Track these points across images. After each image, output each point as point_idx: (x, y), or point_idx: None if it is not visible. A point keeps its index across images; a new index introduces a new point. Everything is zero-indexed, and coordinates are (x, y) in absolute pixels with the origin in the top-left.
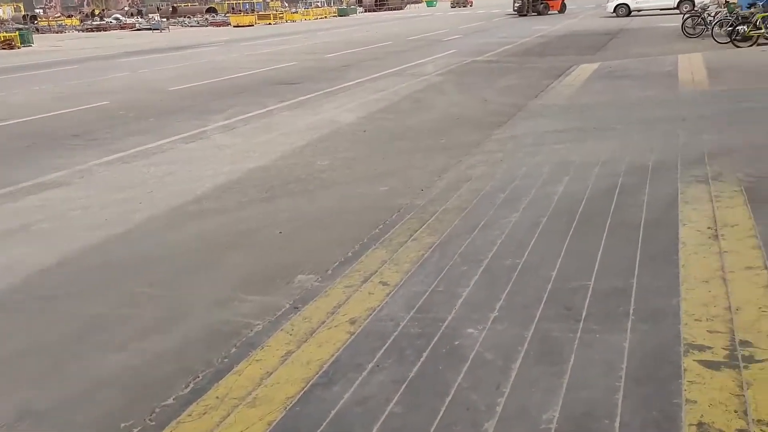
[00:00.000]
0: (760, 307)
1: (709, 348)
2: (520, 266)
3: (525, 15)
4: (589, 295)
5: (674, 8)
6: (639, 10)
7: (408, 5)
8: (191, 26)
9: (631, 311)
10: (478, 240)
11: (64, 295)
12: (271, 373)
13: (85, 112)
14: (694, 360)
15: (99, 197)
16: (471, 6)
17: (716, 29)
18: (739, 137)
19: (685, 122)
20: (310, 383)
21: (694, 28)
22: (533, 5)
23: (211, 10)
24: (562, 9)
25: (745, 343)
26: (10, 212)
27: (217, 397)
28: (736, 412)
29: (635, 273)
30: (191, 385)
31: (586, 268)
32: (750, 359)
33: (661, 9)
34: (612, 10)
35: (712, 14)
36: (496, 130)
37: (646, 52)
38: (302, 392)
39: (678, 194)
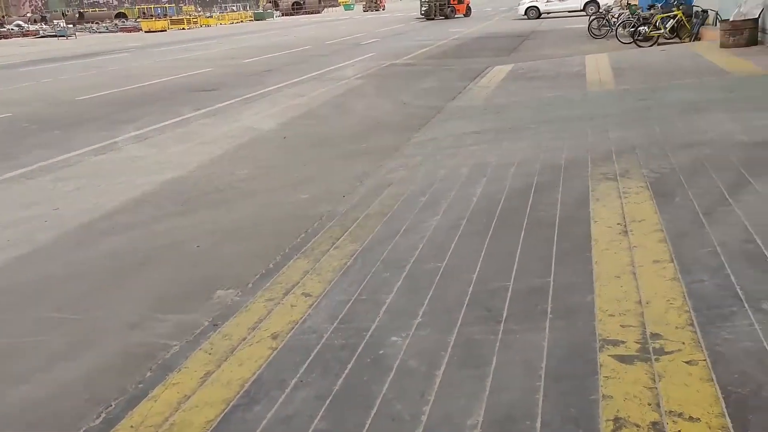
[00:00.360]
0: (668, 300)
1: (623, 342)
2: (441, 270)
3: (432, 19)
4: (508, 296)
5: (581, 10)
6: (548, 13)
7: (325, 9)
8: (100, 32)
9: (549, 309)
10: (400, 245)
11: None
12: (189, 397)
13: None
14: (608, 355)
15: (0, 216)
16: (384, 9)
17: (620, 30)
18: (643, 134)
19: (593, 121)
20: (231, 404)
21: (599, 29)
22: (440, 9)
23: (121, 16)
24: (467, 13)
25: (655, 336)
26: None
27: (132, 426)
28: (649, 404)
29: (552, 271)
30: (102, 416)
31: (506, 269)
32: (661, 351)
33: (569, 11)
34: (523, 13)
35: (616, 16)
36: (415, 133)
37: (556, 53)
38: (222, 415)
39: (589, 192)
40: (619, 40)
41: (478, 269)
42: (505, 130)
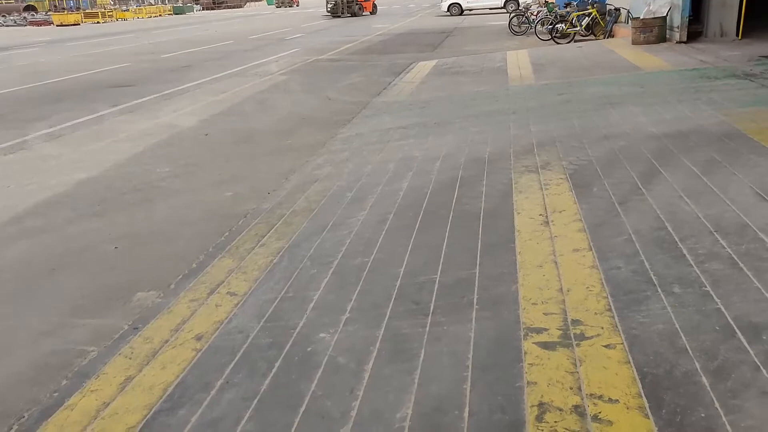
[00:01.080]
0: (587, 287)
1: (546, 330)
2: (369, 265)
3: (339, 16)
4: (436, 289)
5: (501, 8)
6: (470, 10)
7: (248, 3)
8: (7, 26)
9: (475, 301)
10: (327, 241)
11: None
12: (109, 404)
13: None
14: (532, 342)
15: None
16: (297, 6)
17: (539, 27)
18: (562, 127)
19: (515, 115)
20: (153, 410)
21: (519, 26)
22: (348, 6)
23: (30, 8)
24: (374, 10)
25: (576, 322)
26: None
27: None
28: (571, 389)
29: (477, 263)
30: (15, 428)
31: (433, 262)
32: (581, 337)
33: (490, 8)
34: (446, 9)
35: (535, 13)
36: (341, 128)
37: (478, 50)
38: (144, 421)
39: (512, 184)
40: (538, 37)
41: (405, 263)
42: (430, 124)
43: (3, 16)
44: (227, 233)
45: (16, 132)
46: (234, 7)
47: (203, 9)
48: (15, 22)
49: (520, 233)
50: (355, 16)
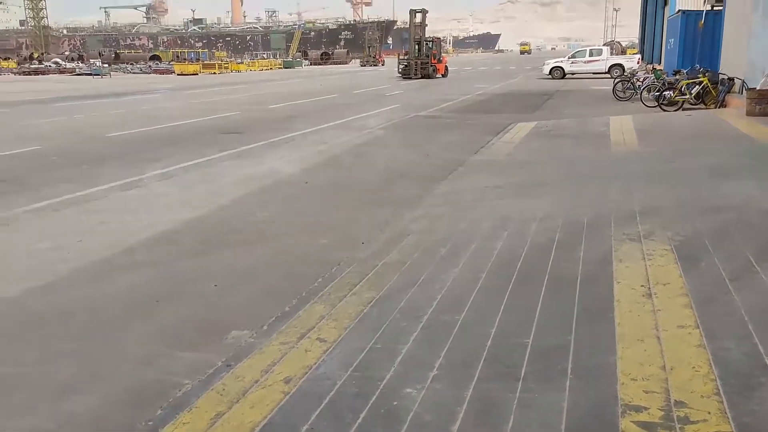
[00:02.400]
0: (693, 367)
1: (646, 408)
2: (459, 322)
3: (410, 78)
4: (528, 353)
5: (605, 73)
6: (573, 73)
7: (353, 60)
8: (134, 73)
9: (570, 369)
10: (418, 295)
11: None
12: None
13: (14, 157)
14: (631, 421)
15: (24, 246)
16: (383, 65)
17: (645, 94)
18: (668, 196)
19: (617, 181)
20: None
21: (624, 92)
22: (421, 68)
23: (155, 58)
24: (445, 73)
25: (680, 404)
26: None
27: None
28: None
29: (573, 330)
30: None
31: (525, 325)
32: (685, 420)
33: (594, 73)
34: (548, 72)
35: (641, 79)
36: (437, 184)
37: (580, 113)
38: None
39: (612, 251)
40: (644, 104)
41: (497, 324)
42: (527, 185)
43: (131, 64)
44: (320, 279)
45: (134, 170)
46: (340, 63)
47: (311, 64)
48: (141, 70)
49: (620, 303)
50: (428, 78)
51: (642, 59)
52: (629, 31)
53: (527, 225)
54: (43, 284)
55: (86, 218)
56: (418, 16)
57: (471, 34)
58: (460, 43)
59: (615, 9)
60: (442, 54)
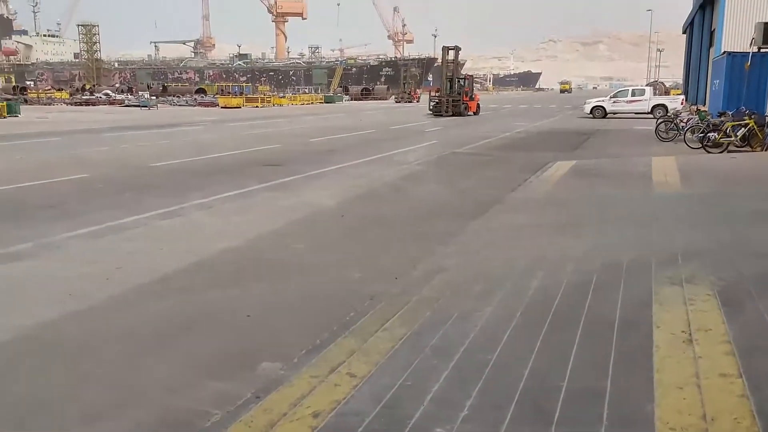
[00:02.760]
0: (735, 418)
1: None
2: (492, 362)
3: (441, 115)
4: (561, 397)
5: (648, 113)
6: (614, 113)
7: (393, 95)
8: (180, 105)
9: (605, 416)
10: (450, 333)
11: (7, 376)
12: None
13: (63, 183)
14: None
15: (65, 271)
16: (418, 101)
17: (688, 135)
18: (711, 239)
19: (658, 222)
20: None
21: (667, 133)
22: (453, 105)
23: (201, 91)
24: (477, 111)
25: None
26: None
27: None
28: None
29: (609, 375)
30: None
31: (560, 367)
32: None
33: (636, 113)
34: (589, 112)
35: (685, 120)
36: (473, 221)
37: (621, 153)
38: None
39: (652, 295)
40: (688, 145)
41: (530, 365)
42: (565, 225)
43: (177, 96)
44: (352, 313)
45: (176, 199)
46: (380, 99)
47: (351, 99)
48: (187, 102)
49: (659, 349)
50: (460, 115)
51: (686, 100)
52: (673, 71)
53: (564, 265)
54: (81, 309)
55: (126, 245)
56: (451, 53)
57: (511, 72)
58: (501, 81)
59: (659, 49)
60: (475, 92)
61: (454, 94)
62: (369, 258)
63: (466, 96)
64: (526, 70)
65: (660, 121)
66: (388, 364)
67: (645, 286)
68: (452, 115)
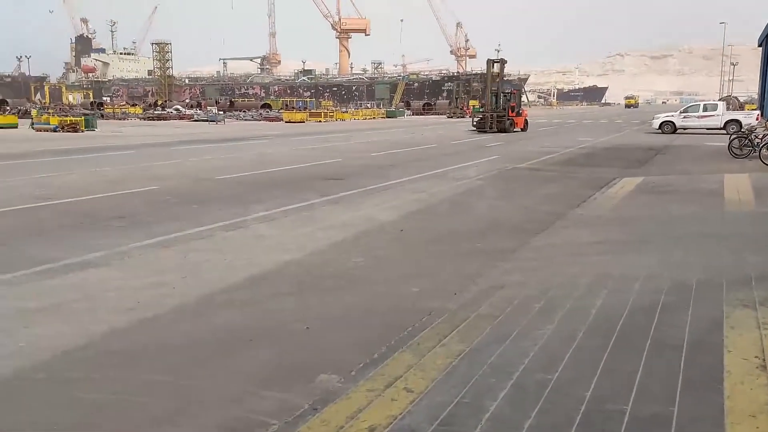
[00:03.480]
0: None
1: None
2: (552, 382)
3: (485, 131)
4: (625, 422)
5: (721, 128)
6: (684, 129)
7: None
8: (246, 120)
9: None
10: (509, 350)
11: (80, 379)
12: None
13: (134, 195)
14: None
15: (135, 280)
16: (470, 116)
17: (764, 151)
18: None
19: (729, 242)
20: None
21: (741, 149)
22: (498, 121)
23: (266, 106)
24: (525, 127)
25: None
26: (47, 289)
27: None
28: None
29: (676, 400)
30: None
31: (624, 390)
32: None
33: (708, 128)
34: (657, 127)
35: (760, 136)
36: (534, 237)
37: (691, 170)
38: None
39: (723, 318)
40: (763, 162)
41: (592, 387)
42: (630, 242)
43: (244, 111)
44: (410, 328)
45: (239, 211)
46: (441, 114)
47: (413, 114)
48: (253, 117)
49: (731, 374)
50: (505, 132)
51: (761, 115)
52: (748, 86)
53: (629, 284)
54: (148, 317)
55: (192, 256)
56: (496, 66)
57: (576, 87)
58: (565, 96)
59: (732, 63)
60: (522, 107)
61: (500, 110)
62: (428, 273)
63: (512, 111)
64: (592, 85)
65: (733, 137)
66: (446, 381)
67: (716, 309)
68: (497, 131)
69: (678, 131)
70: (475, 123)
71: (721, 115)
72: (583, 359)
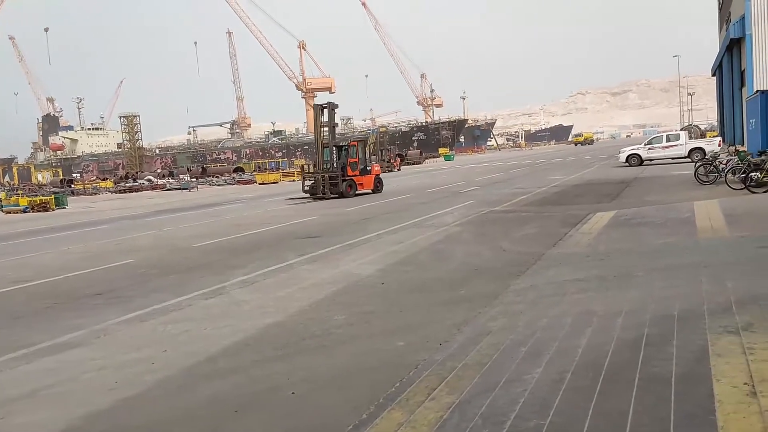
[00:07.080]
0: None
1: None
2: (545, 428)
3: (319, 198)
4: None
5: (685, 157)
6: (651, 160)
7: (426, 159)
8: (219, 185)
9: None
10: (500, 398)
11: None
12: None
13: (109, 270)
14: None
15: (113, 358)
16: (399, 170)
17: (729, 176)
18: (766, 284)
19: (707, 269)
20: None
21: (707, 176)
22: (331, 184)
23: (239, 170)
24: (377, 187)
25: None
26: (22, 376)
27: None
28: None
29: None
30: None
31: (618, 430)
32: None
33: (673, 158)
34: (624, 160)
35: (724, 162)
36: (515, 280)
37: (661, 200)
38: None
39: (708, 346)
40: (730, 187)
41: (586, 429)
42: (610, 277)
43: (217, 176)
44: (398, 384)
45: (218, 278)
46: (414, 164)
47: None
48: (226, 182)
49: (722, 404)
50: (344, 197)
51: (723, 141)
52: (707, 114)
53: (613, 320)
54: (131, 395)
55: (171, 328)
56: (325, 112)
57: (543, 127)
58: (533, 137)
59: (689, 93)
60: (373, 161)
61: (333, 169)
62: (412, 325)
63: (353, 169)
64: (558, 124)
65: (699, 164)
66: None
67: (700, 338)
68: (336, 197)
69: (644, 163)
70: (305, 189)
71: (685, 144)
72: (573, 401)
